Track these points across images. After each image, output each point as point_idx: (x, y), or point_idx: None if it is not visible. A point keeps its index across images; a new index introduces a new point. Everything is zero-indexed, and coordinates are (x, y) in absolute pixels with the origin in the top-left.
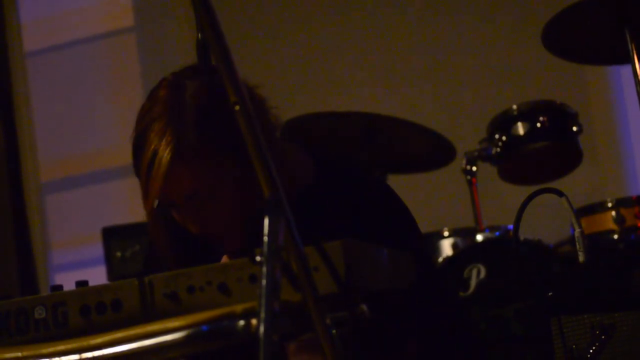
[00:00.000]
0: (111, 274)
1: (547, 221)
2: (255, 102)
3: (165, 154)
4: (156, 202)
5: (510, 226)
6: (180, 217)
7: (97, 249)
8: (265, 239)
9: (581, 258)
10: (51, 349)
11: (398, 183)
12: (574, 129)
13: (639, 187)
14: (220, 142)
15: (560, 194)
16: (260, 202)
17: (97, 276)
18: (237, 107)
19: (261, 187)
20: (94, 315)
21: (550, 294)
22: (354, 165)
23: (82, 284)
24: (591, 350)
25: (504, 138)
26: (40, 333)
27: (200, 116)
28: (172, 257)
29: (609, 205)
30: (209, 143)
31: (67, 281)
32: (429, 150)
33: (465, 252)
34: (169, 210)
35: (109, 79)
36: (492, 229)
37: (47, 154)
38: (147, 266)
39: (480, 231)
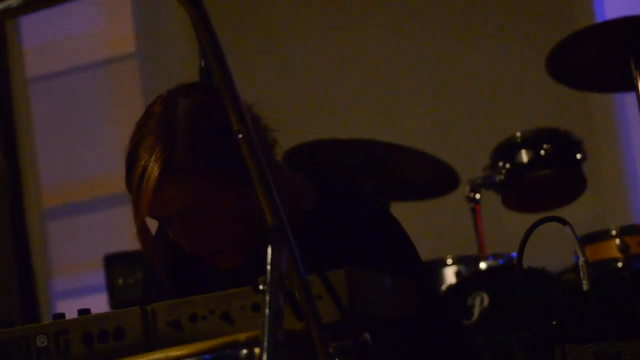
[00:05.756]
0: (113, 301)
1: (551, 249)
2: (253, 122)
3: (154, 169)
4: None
5: (514, 254)
6: (173, 233)
7: (98, 276)
8: (268, 267)
9: (585, 286)
10: None
11: (401, 211)
12: (578, 156)
13: None
14: (211, 158)
15: (564, 222)
16: (257, 223)
17: (99, 303)
18: (240, 136)
19: (255, 204)
20: (96, 343)
21: (554, 322)
22: (356, 190)
23: (84, 312)
24: None
25: (507, 165)
26: None
27: (191, 133)
28: (165, 275)
29: (613, 233)
30: (199, 159)
31: (69, 308)
32: (433, 178)
33: (469, 280)
34: (164, 226)
35: (111, 105)
36: (495, 256)
37: (48, 180)
38: (146, 292)
39: (484, 259)
